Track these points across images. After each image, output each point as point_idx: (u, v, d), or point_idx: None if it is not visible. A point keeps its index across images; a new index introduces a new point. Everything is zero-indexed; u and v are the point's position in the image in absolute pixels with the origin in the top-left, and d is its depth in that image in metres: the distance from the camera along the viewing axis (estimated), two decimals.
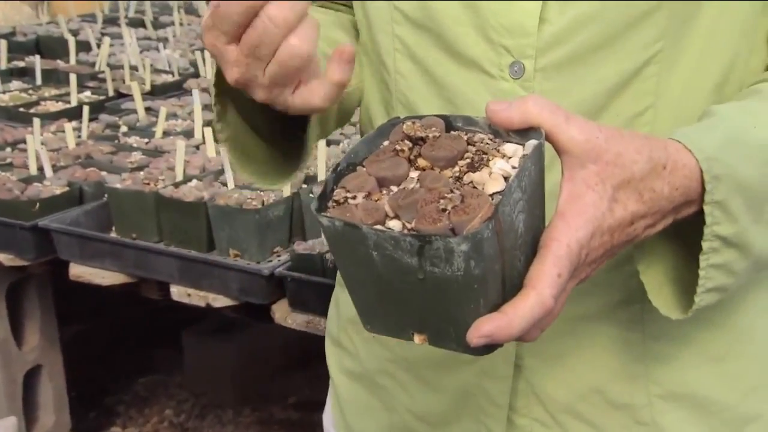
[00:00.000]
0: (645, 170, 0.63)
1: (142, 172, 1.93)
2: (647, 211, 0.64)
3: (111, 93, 2.69)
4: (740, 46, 0.74)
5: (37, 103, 2.62)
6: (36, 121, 2.14)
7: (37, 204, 1.85)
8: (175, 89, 2.76)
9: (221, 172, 1.91)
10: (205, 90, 2.67)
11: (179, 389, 2.80)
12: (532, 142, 0.61)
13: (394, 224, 0.58)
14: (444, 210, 0.57)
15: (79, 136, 2.27)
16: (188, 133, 2.28)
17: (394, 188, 0.61)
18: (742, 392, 0.82)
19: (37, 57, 2.90)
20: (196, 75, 2.87)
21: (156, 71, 2.88)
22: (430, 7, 0.76)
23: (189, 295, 1.70)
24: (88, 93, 2.72)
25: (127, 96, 2.64)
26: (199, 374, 2.74)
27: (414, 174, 0.62)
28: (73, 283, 1.87)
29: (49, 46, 3.30)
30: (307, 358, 2.73)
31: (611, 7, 0.71)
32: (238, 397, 2.69)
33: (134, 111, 2.47)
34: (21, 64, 3.08)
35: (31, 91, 2.76)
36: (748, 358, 0.82)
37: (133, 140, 2.28)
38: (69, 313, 2.50)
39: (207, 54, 2.80)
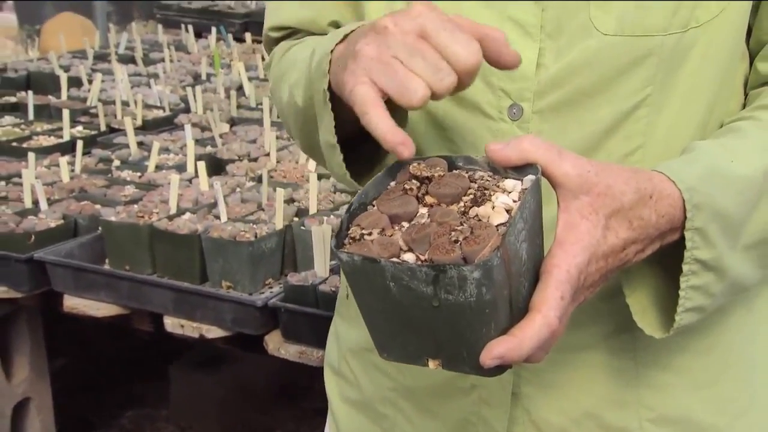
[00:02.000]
0: (633, 200, 0.67)
1: (136, 205, 1.95)
2: (637, 237, 0.68)
3: (103, 128, 2.71)
4: (721, 89, 0.79)
5: (29, 137, 2.63)
6: (31, 155, 2.15)
7: (32, 236, 1.86)
8: (167, 124, 2.79)
9: (214, 204, 1.93)
10: (195, 125, 2.70)
11: (165, 422, 2.79)
12: (530, 177, 0.65)
13: (409, 257, 0.62)
14: (456, 241, 0.60)
15: (73, 170, 2.29)
16: (180, 167, 2.30)
17: (405, 224, 0.64)
18: (733, 415, 0.84)
19: (30, 93, 2.92)
20: (187, 110, 2.89)
21: (147, 106, 2.91)
22: None
23: (182, 326, 1.71)
24: (80, 128, 2.74)
25: (119, 131, 2.66)
26: (185, 407, 2.73)
27: (423, 210, 0.65)
28: (62, 315, 1.87)
29: (40, 82, 3.32)
30: (294, 392, 2.73)
31: (604, 54, 0.75)
32: (225, 431, 2.69)
33: (126, 146, 2.49)
34: (13, 99, 3.09)
35: (23, 126, 2.78)
36: (737, 383, 0.84)
37: (126, 174, 2.29)
38: (55, 345, 2.49)
39: (197, 90, 2.83)
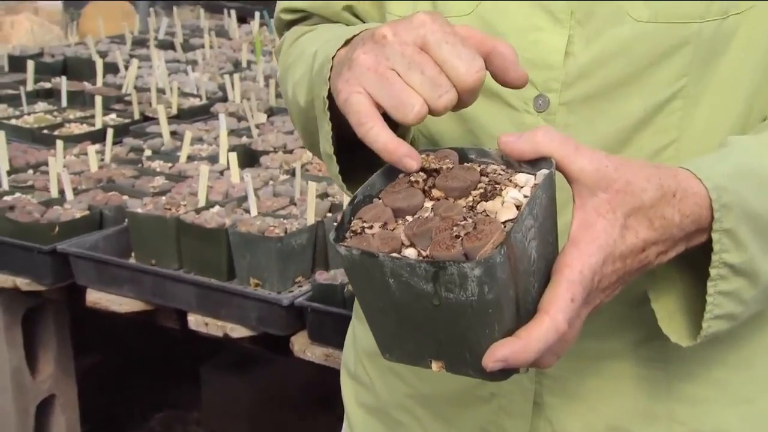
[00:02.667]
0: (655, 198, 0.66)
1: (163, 197, 1.98)
2: (658, 238, 0.67)
3: (137, 116, 2.76)
4: (763, 80, 0.77)
5: (61, 125, 2.69)
6: (59, 143, 2.20)
7: (57, 227, 1.90)
8: (202, 113, 2.82)
9: (244, 198, 1.95)
10: (232, 114, 2.72)
11: (196, 426, 2.82)
12: (543, 172, 0.65)
13: (410, 252, 0.62)
14: (457, 237, 0.60)
15: (102, 160, 2.33)
16: (213, 158, 2.33)
17: (410, 218, 0.65)
18: None
19: (63, 78, 2.98)
20: (224, 99, 2.93)
21: (183, 95, 2.95)
22: None
23: (206, 324, 1.73)
24: (113, 115, 2.79)
25: (153, 119, 2.70)
26: (216, 410, 2.76)
27: (429, 204, 0.65)
28: (89, 310, 1.91)
29: (76, 68, 3.39)
30: (327, 397, 2.74)
31: (637, 42, 0.74)
32: None
33: (159, 135, 2.52)
34: (47, 85, 3.16)
35: (56, 113, 2.84)
36: None
37: (157, 164, 2.33)
38: (84, 341, 2.53)
39: (235, 78, 2.86)
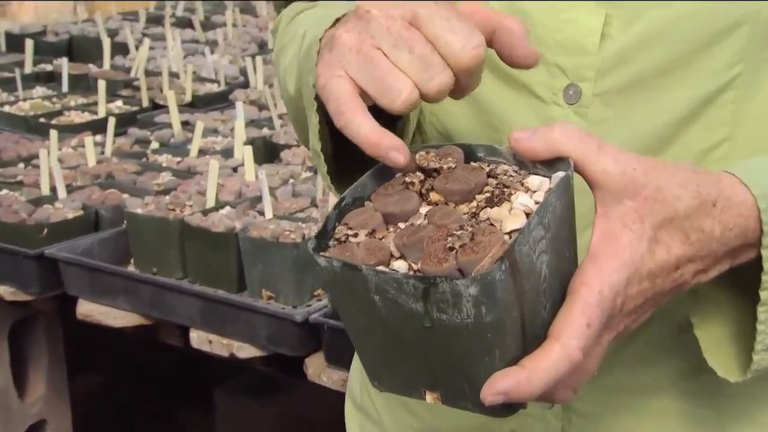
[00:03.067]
0: (691, 207, 0.64)
1: (167, 196, 1.99)
2: (695, 254, 0.65)
3: (145, 103, 2.79)
4: None
5: (59, 113, 2.73)
6: (53, 133, 2.23)
7: (45, 229, 1.92)
8: (220, 101, 2.84)
9: (259, 198, 1.95)
10: (253, 102, 2.73)
11: None
12: (558, 174, 0.63)
13: (399, 265, 0.61)
14: (451, 249, 0.59)
15: (102, 153, 2.35)
16: (228, 153, 2.34)
17: (403, 225, 0.63)
18: None
19: (64, 60, 3.03)
20: (245, 85, 2.95)
21: (200, 79, 2.98)
22: None
23: (210, 342, 1.73)
24: (119, 103, 2.82)
25: (164, 107, 2.73)
26: None
27: (424, 210, 0.64)
28: (85, 323, 1.92)
29: (82, 48, 3.45)
30: None
31: (685, 22, 0.72)
32: None
33: (169, 125, 2.55)
34: (48, 67, 3.21)
35: (55, 99, 2.88)
36: None
37: (164, 159, 2.35)
38: (81, 358, 2.56)
39: (258, 62, 2.87)
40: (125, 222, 1.95)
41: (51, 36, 3.57)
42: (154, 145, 2.45)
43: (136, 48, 3.27)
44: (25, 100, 2.84)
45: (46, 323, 2.23)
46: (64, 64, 2.98)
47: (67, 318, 2.07)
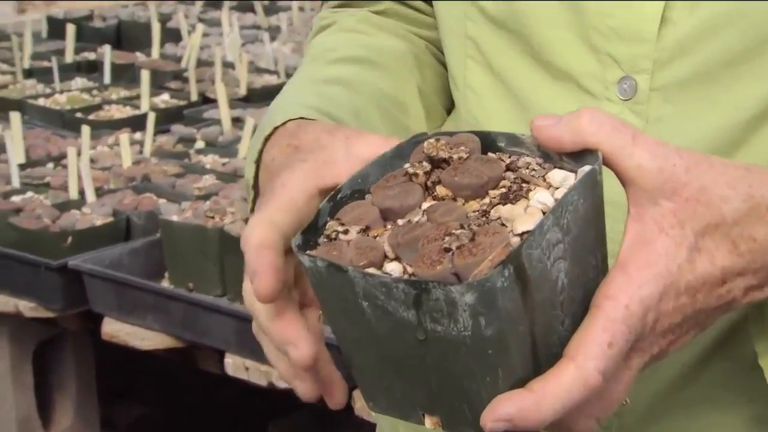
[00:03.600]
0: (740, 211, 0.63)
1: (207, 202, 2.01)
2: (746, 267, 0.64)
3: (194, 97, 2.84)
4: None
5: (98, 107, 2.80)
6: (85, 129, 2.28)
7: (70, 237, 1.96)
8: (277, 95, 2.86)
9: None
10: None
11: None
12: (585, 169, 0.62)
13: (393, 268, 0.61)
14: (447, 250, 0.58)
15: (141, 152, 2.40)
16: None
17: (402, 222, 0.63)
18: None
19: (107, 48, 3.10)
20: None
21: (257, 70, 3.02)
22: (514, 2, 0.78)
23: (247, 368, 1.75)
24: (165, 96, 2.88)
25: (214, 102, 2.76)
26: None
27: (428, 205, 0.64)
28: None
29: (131, 34, 3.53)
30: None
31: (760, 4, 0.71)
32: None
33: (218, 122, 2.59)
34: (92, 56, 3.29)
35: (95, 92, 2.94)
36: None
37: (209, 160, 2.39)
38: (122, 385, 2.60)
39: None
40: (159, 230, 1.98)
41: (98, 21, 3.66)
42: (200, 144, 2.49)
43: (189, 35, 3.32)
44: (62, 92, 2.91)
45: (74, 344, 2.26)
46: (106, 53, 3.05)
47: (99, 338, 2.11)
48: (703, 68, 0.73)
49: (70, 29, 3.27)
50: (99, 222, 2.04)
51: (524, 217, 0.60)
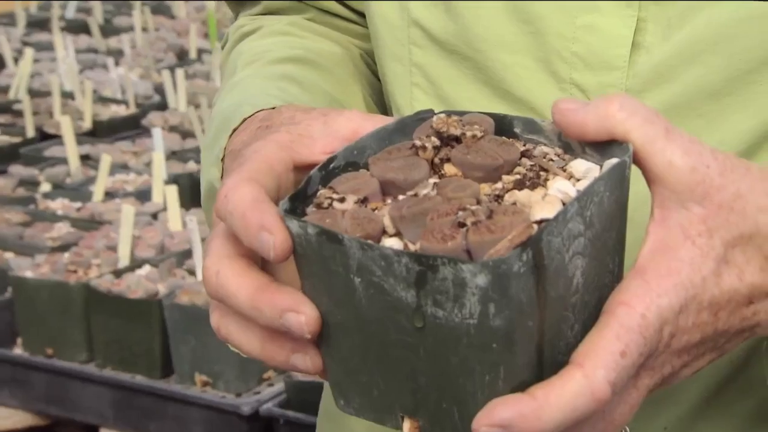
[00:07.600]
0: None
1: (66, 254, 1.98)
2: None
3: (31, 133, 2.79)
4: None
5: None
6: None
7: None
8: (129, 127, 2.85)
9: (188, 253, 1.95)
10: (173, 129, 2.74)
11: None
12: (612, 161, 0.63)
13: (393, 243, 0.61)
14: (461, 225, 0.59)
15: None
16: (143, 195, 2.34)
17: (404, 197, 0.64)
18: None
19: None
20: (162, 106, 2.95)
21: (102, 100, 2.98)
22: (465, 24, 0.79)
23: None
24: None
25: (55, 137, 2.72)
26: None
27: (433, 180, 0.64)
28: None
29: None
30: None
31: (743, 29, 0.73)
32: None
33: (64, 161, 2.54)
34: None
35: None
36: None
37: (59, 204, 2.34)
38: None
39: (179, 75, 2.88)
40: (10, 289, 1.95)
41: None
42: (45, 186, 2.44)
43: (15, 61, 3.27)
44: None
45: None
46: None
47: None
48: (683, 99, 0.75)
49: None
50: None
51: (542, 204, 0.61)
